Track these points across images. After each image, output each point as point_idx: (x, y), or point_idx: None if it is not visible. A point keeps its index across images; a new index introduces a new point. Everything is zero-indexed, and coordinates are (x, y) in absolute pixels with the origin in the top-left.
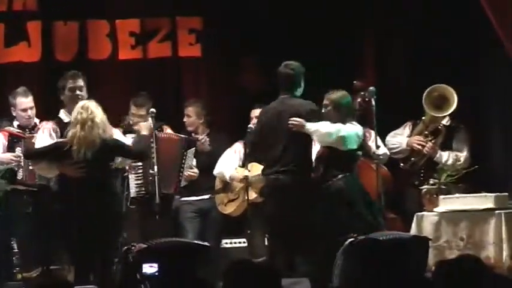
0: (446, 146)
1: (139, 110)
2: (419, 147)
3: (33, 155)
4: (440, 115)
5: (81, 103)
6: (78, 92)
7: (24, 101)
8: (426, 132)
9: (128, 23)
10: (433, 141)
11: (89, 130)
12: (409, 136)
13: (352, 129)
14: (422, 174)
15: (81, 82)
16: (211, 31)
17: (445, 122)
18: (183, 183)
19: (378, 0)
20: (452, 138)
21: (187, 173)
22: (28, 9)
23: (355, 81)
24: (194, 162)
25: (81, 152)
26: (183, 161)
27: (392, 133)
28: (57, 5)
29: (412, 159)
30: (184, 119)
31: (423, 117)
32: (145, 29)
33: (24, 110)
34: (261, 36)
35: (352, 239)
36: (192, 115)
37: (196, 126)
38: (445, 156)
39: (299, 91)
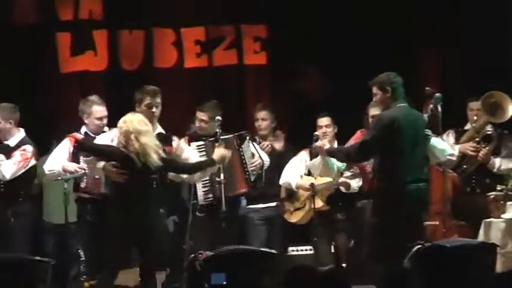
0: (496, 153)
1: (203, 115)
2: (474, 153)
3: (87, 147)
4: (496, 121)
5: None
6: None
7: (100, 110)
8: (478, 139)
9: (194, 32)
10: (486, 147)
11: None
12: (455, 143)
13: None
14: (474, 181)
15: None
16: (277, 39)
17: (488, 128)
18: (253, 177)
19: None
20: (500, 144)
21: (252, 165)
22: (94, 19)
23: (426, 88)
24: (253, 150)
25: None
26: (243, 157)
27: None
28: (123, 13)
29: (464, 166)
30: (258, 123)
31: (473, 124)
32: (210, 37)
33: (100, 119)
34: (325, 44)
35: (419, 246)
36: (267, 118)
37: (269, 131)
38: (498, 163)
39: None
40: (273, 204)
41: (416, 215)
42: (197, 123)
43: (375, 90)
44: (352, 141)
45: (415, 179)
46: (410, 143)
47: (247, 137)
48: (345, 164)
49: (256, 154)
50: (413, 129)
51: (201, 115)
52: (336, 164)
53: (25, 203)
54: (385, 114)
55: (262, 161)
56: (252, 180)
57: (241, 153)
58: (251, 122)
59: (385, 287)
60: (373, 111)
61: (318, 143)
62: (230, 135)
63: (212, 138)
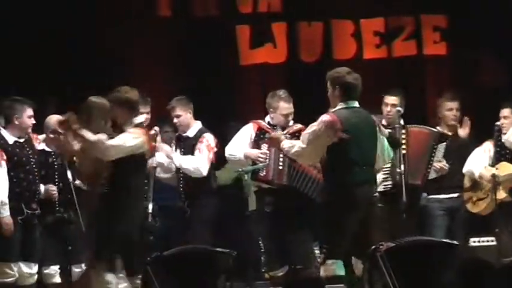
0: None
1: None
2: None
3: None
4: None
5: None
6: None
7: (287, 107)
8: None
9: (373, 22)
10: None
11: None
12: None
13: None
14: None
15: None
16: (456, 29)
17: None
18: (431, 176)
19: None
20: None
21: (437, 165)
22: (273, 11)
23: None
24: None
25: None
26: (433, 155)
27: None
28: (302, 5)
29: None
30: (447, 113)
31: None
32: (390, 28)
33: (286, 116)
34: (505, 33)
35: None
36: (454, 107)
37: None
38: None
39: None
40: (455, 195)
41: None
42: (385, 112)
43: None
44: None
45: None
46: None
47: (446, 141)
48: None
49: (444, 161)
50: None
51: (390, 100)
52: None
53: (203, 195)
54: None
55: (447, 167)
56: (429, 178)
57: (433, 151)
58: (431, 112)
59: None
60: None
61: None
62: (435, 130)
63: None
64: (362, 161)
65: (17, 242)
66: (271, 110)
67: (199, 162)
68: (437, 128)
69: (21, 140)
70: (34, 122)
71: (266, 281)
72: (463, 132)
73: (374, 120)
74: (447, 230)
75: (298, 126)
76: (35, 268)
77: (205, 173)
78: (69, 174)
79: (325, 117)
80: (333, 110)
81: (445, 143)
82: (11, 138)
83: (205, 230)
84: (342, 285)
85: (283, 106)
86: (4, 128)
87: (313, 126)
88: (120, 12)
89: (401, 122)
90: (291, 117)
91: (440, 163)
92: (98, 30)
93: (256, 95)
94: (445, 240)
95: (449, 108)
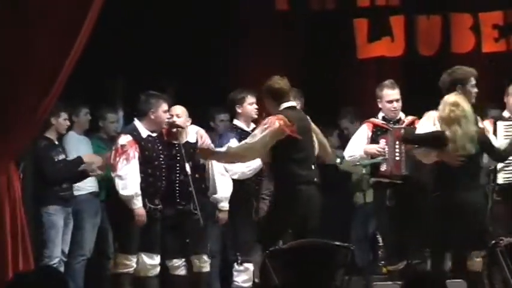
0: None
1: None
2: None
3: (412, 139)
4: None
5: (451, 99)
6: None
7: (391, 93)
8: None
9: (492, 16)
10: None
11: (466, 126)
12: None
13: None
14: None
15: None
16: None
17: None
18: None
19: None
20: None
21: None
22: (391, 4)
23: None
24: None
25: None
26: None
27: None
28: None
29: None
30: None
31: None
32: (509, 21)
33: (390, 102)
34: None
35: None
36: None
37: None
38: None
39: None
40: None
41: None
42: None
43: None
44: None
45: None
46: None
47: None
48: None
49: None
50: None
51: None
52: None
53: None
54: None
55: None
56: None
57: None
58: None
59: None
60: None
61: None
62: None
63: None
64: None
65: (136, 235)
66: (379, 100)
67: None
68: None
69: (154, 135)
70: (169, 117)
71: (383, 275)
72: None
73: None
74: None
75: (410, 118)
76: (157, 259)
77: None
78: (187, 167)
79: None
80: None
81: None
82: (144, 132)
83: None
84: (460, 280)
85: (386, 93)
86: (139, 121)
87: None
88: (238, 6)
89: None
90: (397, 104)
91: None
92: (216, 23)
93: (373, 88)
94: None
95: None
